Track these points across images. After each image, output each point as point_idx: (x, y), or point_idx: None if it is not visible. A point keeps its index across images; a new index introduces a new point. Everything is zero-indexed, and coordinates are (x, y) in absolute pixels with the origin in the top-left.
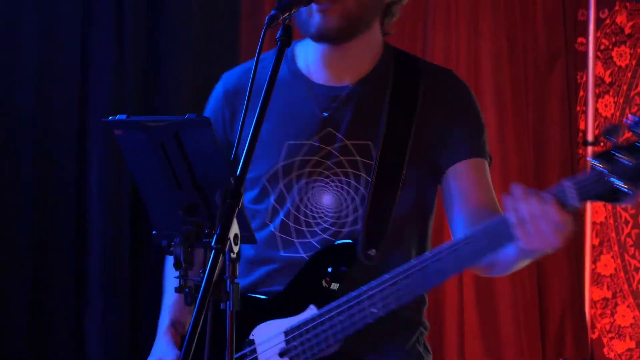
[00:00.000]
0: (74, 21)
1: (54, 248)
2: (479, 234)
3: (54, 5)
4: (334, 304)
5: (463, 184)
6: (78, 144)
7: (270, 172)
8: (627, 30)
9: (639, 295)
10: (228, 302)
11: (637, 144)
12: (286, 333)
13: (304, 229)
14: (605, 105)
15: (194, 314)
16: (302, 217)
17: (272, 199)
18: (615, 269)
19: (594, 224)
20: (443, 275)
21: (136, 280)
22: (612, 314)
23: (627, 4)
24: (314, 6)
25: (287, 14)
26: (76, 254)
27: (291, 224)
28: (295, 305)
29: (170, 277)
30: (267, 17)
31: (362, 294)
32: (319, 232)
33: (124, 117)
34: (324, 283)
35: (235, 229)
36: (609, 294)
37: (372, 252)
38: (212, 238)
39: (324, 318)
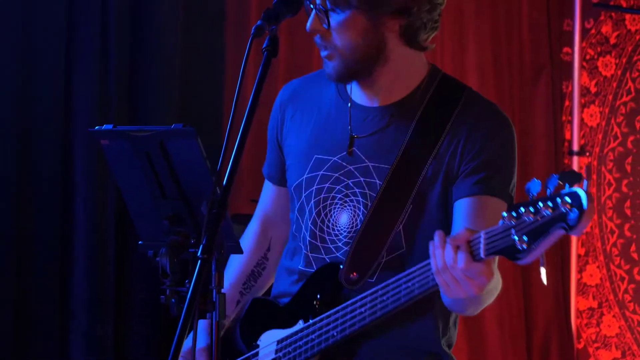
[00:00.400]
0: (58, 32)
1: (38, 260)
2: (413, 273)
3: (37, 15)
4: (311, 321)
5: (461, 221)
6: (63, 154)
7: (296, 182)
8: (612, 40)
9: (624, 305)
10: (214, 313)
11: (538, 200)
12: (278, 342)
13: (319, 244)
14: (591, 115)
15: (179, 325)
16: (318, 232)
17: (296, 209)
18: (601, 278)
19: None
20: (393, 305)
21: (121, 293)
22: (598, 324)
23: (613, 14)
24: (322, 55)
25: (274, 24)
26: (60, 266)
27: (308, 238)
28: (291, 318)
29: (229, 265)
30: (253, 28)
31: (334, 313)
32: (333, 249)
33: (110, 127)
34: (314, 303)
35: (221, 238)
36: (594, 304)
37: (355, 276)
38: (198, 248)
39: (303, 333)
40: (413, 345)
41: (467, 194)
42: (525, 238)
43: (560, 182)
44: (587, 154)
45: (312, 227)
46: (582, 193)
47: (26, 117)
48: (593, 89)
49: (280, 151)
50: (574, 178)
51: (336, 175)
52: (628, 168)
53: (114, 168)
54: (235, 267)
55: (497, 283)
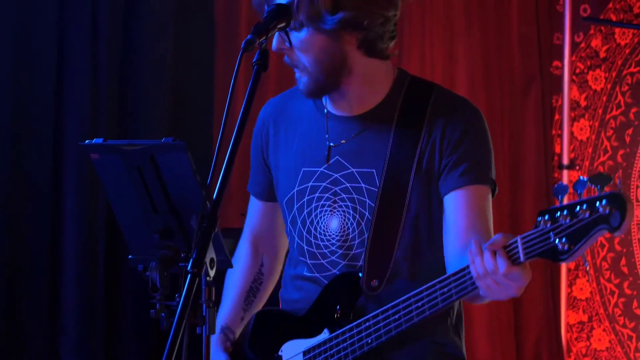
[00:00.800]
0: (49, 42)
1: (28, 275)
2: (449, 278)
3: (28, 25)
4: (340, 330)
5: (454, 214)
6: (54, 167)
7: (287, 196)
8: (602, 54)
9: (614, 318)
10: (204, 327)
11: (575, 204)
12: (304, 353)
13: (315, 250)
14: (581, 129)
15: (169, 339)
16: (312, 240)
17: (289, 222)
18: (591, 292)
19: None
20: (430, 310)
21: (112, 308)
22: (588, 338)
23: (602, 28)
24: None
25: (264, 38)
26: (50, 281)
27: (304, 246)
28: (314, 327)
29: (227, 286)
30: (243, 42)
31: (365, 321)
32: (328, 254)
33: (100, 140)
34: (336, 315)
35: (211, 252)
36: (584, 318)
37: (375, 283)
38: (188, 262)
39: (333, 342)
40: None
41: (455, 186)
42: (564, 240)
43: (590, 185)
44: (577, 167)
45: (307, 236)
46: (620, 195)
47: (17, 129)
48: (583, 103)
49: (267, 167)
50: (604, 180)
51: (324, 184)
52: (618, 182)
53: (105, 182)
54: (234, 287)
55: None
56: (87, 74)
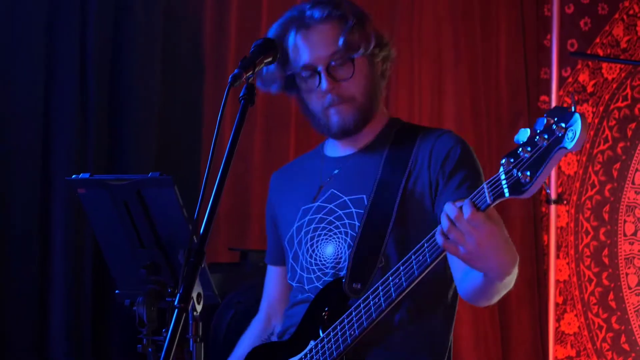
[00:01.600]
0: (37, 77)
1: (15, 308)
2: (422, 245)
3: (16, 59)
4: (324, 333)
5: None
6: (41, 201)
7: (288, 235)
8: (589, 89)
9: (603, 353)
10: None
11: (534, 137)
12: None
13: (312, 275)
14: (569, 164)
15: None
16: (310, 267)
17: (290, 257)
18: (579, 327)
19: (557, 282)
20: (407, 282)
21: (99, 343)
22: None
23: (589, 63)
24: (331, 109)
25: (251, 72)
26: (38, 314)
27: (304, 275)
28: (301, 344)
29: (243, 338)
30: (230, 76)
31: (348, 315)
32: (322, 276)
33: (87, 175)
34: (323, 316)
35: (198, 287)
36: (572, 353)
37: (357, 285)
38: (175, 297)
39: (318, 347)
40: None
41: (454, 199)
42: (527, 172)
43: (549, 118)
44: (565, 202)
45: (306, 265)
46: (573, 114)
47: (4, 163)
48: None
49: (277, 229)
50: (562, 110)
51: (319, 215)
52: (606, 216)
53: (91, 216)
54: (241, 348)
55: (514, 263)
56: (75, 108)
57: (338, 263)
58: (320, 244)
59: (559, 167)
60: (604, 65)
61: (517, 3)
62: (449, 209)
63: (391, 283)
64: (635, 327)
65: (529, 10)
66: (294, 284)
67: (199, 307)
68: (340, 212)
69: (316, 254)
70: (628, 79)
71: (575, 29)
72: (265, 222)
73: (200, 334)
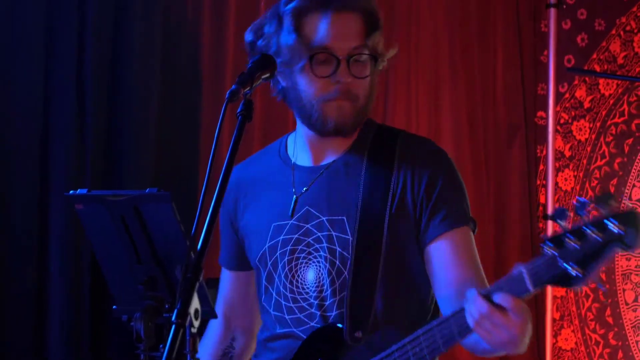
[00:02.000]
0: (35, 93)
1: (13, 325)
2: (449, 319)
3: (15, 70)
4: None
5: (442, 261)
6: (39, 216)
7: (259, 254)
8: (586, 105)
9: None
10: None
11: (583, 227)
12: None
13: (292, 305)
14: (565, 179)
15: None
16: (289, 294)
17: (263, 279)
18: (576, 343)
19: (554, 297)
20: (433, 356)
21: (97, 343)
22: None
23: (586, 79)
24: (332, 103)
25: (248, 88)
26: (36, 331)
27: (282, 302)
28: None
29: (202, 345)
30: (227, 92)
31: None
32: (306, 307)
33: (84, 191)
34: None
35: (195, 303)
36: None
37: (359, 334)
38: (173, 313)
39: None
40: None
41: (437, 234)
42: (575, 265)
43: (594, 205)
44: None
45: (284, 291)
46: (632, 213)
47: (3, 164)
48: (567, 153)
49: (236, 235)
50: (607, 198)
51: (295, 236)
52: None
53: (89, 232)
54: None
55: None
56: (73, 122)
57: (321, 292)
58: (300, 268)
59: (556, 183)
60: (601, 81)
61: (514, 19)
62: (480, 305)
63: (410, 352)
64: (632, 343)
65: (526, 26)
66: (270, 311)
67: (196, 323)
68: (319, 234)
69: (297, 280)
70: (625, 94)
71: (572, 44)
72: (220, 219)
73: (198, 349)
